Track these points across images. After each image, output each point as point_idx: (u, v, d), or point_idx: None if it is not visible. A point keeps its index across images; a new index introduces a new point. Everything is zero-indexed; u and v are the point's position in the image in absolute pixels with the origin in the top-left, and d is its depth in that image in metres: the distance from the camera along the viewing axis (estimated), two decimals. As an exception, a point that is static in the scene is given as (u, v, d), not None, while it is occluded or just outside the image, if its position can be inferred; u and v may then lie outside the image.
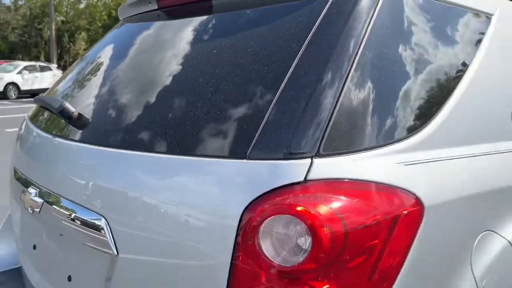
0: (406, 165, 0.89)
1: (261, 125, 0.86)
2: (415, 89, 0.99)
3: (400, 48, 1.02)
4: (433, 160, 0.95)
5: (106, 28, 28.76)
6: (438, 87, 1.04)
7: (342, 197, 0.79)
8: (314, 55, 0.93)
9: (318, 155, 0.81)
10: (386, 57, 0.98)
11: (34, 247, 1.34)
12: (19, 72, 18.94)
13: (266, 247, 0.78)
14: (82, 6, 29.78)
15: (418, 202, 0.86)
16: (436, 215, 0.89)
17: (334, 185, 0.80)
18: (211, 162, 0.87)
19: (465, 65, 1.15)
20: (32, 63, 20.90)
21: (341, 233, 0.77)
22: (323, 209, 0.77)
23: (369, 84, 0.91)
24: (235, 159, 0.85)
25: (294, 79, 0.89)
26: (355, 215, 0.79)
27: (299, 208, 0.76)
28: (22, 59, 31.14)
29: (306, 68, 0.90)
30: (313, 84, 0.87)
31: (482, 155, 1.07)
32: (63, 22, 32.70)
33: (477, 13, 1.29)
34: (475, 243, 0.97)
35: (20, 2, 35.59)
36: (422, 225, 0.86)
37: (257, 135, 0.85)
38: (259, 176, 0.81)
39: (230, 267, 0.80)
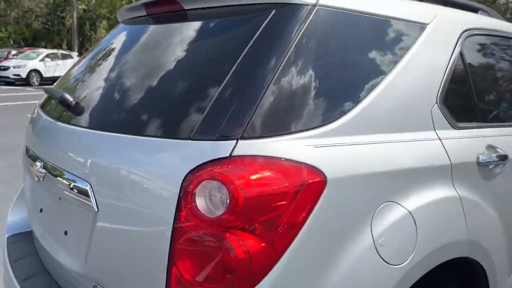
0: (315, 147, 1.16)
1: (203, 116, 1.14)
2: (330, 89, 1.25)
3: (324, 56, 1.28)
4: (341, 144, 1.21)
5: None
6: (354, 88, 1.30)
7: (256, 169, 1.07)
8: (249, 61, 1.20)
9: (242, 137, 1.09)
10: (309, 64, 1.24)
11: (41, 211, 1.65)
12: (42, 60, 19.53)
13: (199, 204, 1.06)
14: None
15: (321, 175, 1.13)
16: (338, 186, 1.16)
17: (251, 160, 1.07)
18: (165, 142, 1.16)
19: (386, 70, 1.40)
20: (54, 51, 21.50)
21: (253, 195, 1.04)
22: (240, 177, 1.04)
23: (288, 86, 1.18)
24: (182, 140, 1.13)
25: (230, 81, 1.17)
26: (266, 182, 1.06)
27: (222, 175, 1.04)
28: (45, 47, 31.90)
29: (241, 72, 1.18)
30: (243, 86, 1.15)
31: (389, 142, 1.32)
32: (84, 10, 33.28)
33: (407, 23, 1.53)
34: (376, 210, 1.23)
35: (44, -10, 36.29)
36: (324, 192, 1.12)
37: (199, 123, 1.13)
38: (197, 153, 1.09)
39: (174, 219, 1.09)
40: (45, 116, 1.70)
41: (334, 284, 1.14)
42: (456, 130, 1.56)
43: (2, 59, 20.26)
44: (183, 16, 1.55)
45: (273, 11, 1.29)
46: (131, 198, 1.19)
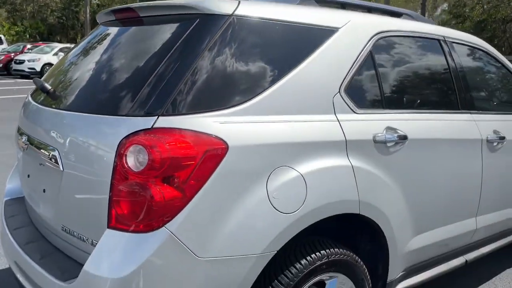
0: (221, 123, 1.55)
1: (136, 100, 1.54)
2: (237, 79, 1.64)
3: (235, 54, 1.67)
4: (245, 122, 1.60)
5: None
6: (260, 79, 1.69)
7: (171, 137, 1.47)
8: (174, 58, 1.60)
9: (162, 115, 1.49)
10: (223, 60, 1.63)
11: (28, 176, 2.08)
12: (55, 54, 20.12)
13: (129, 162, 1.46)
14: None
15: (223, 144, 1.52)
16: (239, 152, 1.54)
17: (168, 131, 1.47)
18: (107, 118, 1.57)
19: (291, 66, 1.78)
20: (67, 45, 22.09)
21: (167, 156, 1.44)
22: (157, 142, 1.44)
23: (202, 78, 1.57)
24: (119, 116, 1.54)
25: (157, 74, 1.57)
26: (178, 147, 1.46)
27: (144, 141, 1.44)
28: (60, 41, 32.63)
29: (166, 67, 1.58)
30: (165, 78, 1.55)
31: (289, 121, 1.71)
32: (98, 5, 33.96)
33: (318, 27, 1.91)
34: (272, 171, 1.61)
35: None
36: (226, 156, 1.52)
37: (132, 105, 1.54)
38: (128, 126, 1.49)
39: (112, 174, 1.49)
40: (32, 101, 2.13)
41: (233, 224, 1.53)
42: (356, 114, 1.93)
43: (18, 53, 20.94)
44: (138, 21, 1.96)
45: (198, 19, 1.69)
46: (84, 160, 1.61)
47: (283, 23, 1.84)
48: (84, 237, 1.61)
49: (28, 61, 19.44)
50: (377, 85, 2.09)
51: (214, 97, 1.59)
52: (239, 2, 1.75)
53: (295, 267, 1.71)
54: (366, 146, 1.93)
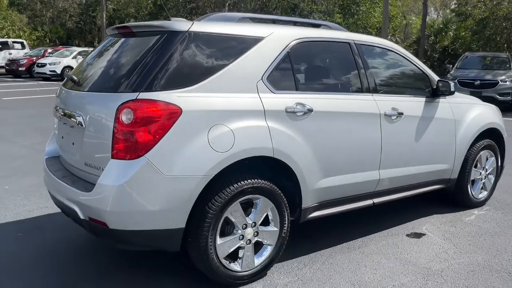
0: (178, 96, 2.59)
1: (127, 83, 2.60)
2: (190, 70, 2.69)
3: (191, 56, 2.72)
4: (194, 96, 2.64)
5: (152, 15, 31.06)
6: (207, 71, 2.73)
7: (147, 104, 2.52)
8: (151, 58, 2.65)
9: (142, 91, 2.54)
10: (182, 60, 2.68)
11: (62, 137, 3.16)
12: (74, 57, 21.49)
13: (122, 118, 2.51)
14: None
15: (179, 108, 2.56)
16: (189, 114, 2.59)
17: (145, 101, 2.52)
18: (110, 94, 2.63)
19: (227, 62, 2.81)
20: (85, 48, 23.48)
21: (144, 115, 2.49)
22: (139, 107, 2.50)
23: (168, 71, 2.62)
24: (117, 93, 2.60)
25: (140, 68, 2.63)
26: (151, 110, 2.51)
27: (130, 106, 2.50)
28: (78, 45, 34.13)
29: (146, 64, 2.63)
30: (145, 70, 2.60)
31: (226, 97, 2.74)
32: (114, 10, 35.36)
33: (248, 37, 2.95)
34: (212, 126, 2.65)
35: (77, -9, 38.55)
36: (180, 116, 2.56)
37: (125, 86, 2.60)
38: (123, 98, 2.55)
39: (113, 128, 2.55)
40: (64, 88, 3.21)
41: (186, 156, 2.57)
42: (273, 94, 2.96)
43: (39, 57, 22.37)
44: (131, 34, 3.03)
45: (166, 34, 2.75)
46: (97, 120, 2.68)
47: (223, 35, 2.88)
48: (98, 166, 2.67)
49: (50, 64, 20.86)
50: (292, 74, 3.11)
51: (174, 81, 2.64)
52: (192, 23, 2.81)
53: (230, 187, 2.74)
54: (279, 114, 2.95)
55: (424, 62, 25.94)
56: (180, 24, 2.79)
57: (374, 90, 3.58)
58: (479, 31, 24.80)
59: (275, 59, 3.03)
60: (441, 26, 29.48)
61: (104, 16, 26.44)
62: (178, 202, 2.58)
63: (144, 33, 2.94)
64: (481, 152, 4.48)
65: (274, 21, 3.40)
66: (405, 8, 41.04)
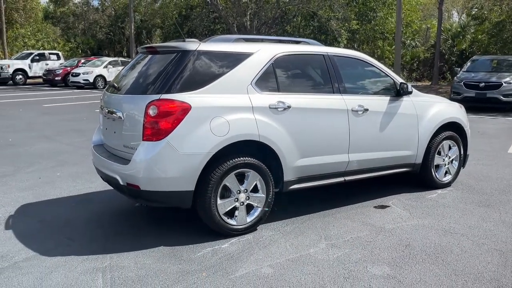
0: (189, 96, 3.67)
1: (153, 87, 3.70)
2: (200, 77, 3.76)
3: (200, 68, 3.80)
4: (202, 96, 3.72)
5: (178, 26, 32.62)
6: (211, 77, 3.80)
7: (166, 102, 3.60)
8: (170, 69, 3.74)
9: (163, 93, 3.63)
10: (195, 72, 3.76)
11: (106, 129, 4.29)
12: (105, 67, 23.07)
13: (150, 113, 3.60)
14: (156, 6, 33.80)
15: (189, 105, 3.63)
16: (196, 109, 3.65)
17: (165, 100, 3.60)
18: (141, 96, 3.73)
19: (226, 71, 3.88)
20: (115, 58, 25.05)
21: (165, 110, 3.57)
22: (161, 103, 3.58)
23: (183, 78, 3.70)
24: (146, 95, 3.69)
25: (163, 77, 3.72)
26: (170, 106, 3.58)
27: (156, 103, 3.58)
28: (108, 55, 35.94)
29: (166, 73, 3.73)
30: (166, 77, 3.70)
31: (224, 97, 3.80)
32: (141, 20, 37.17)
33: (241, 53, 4.01)
34: (213, 118, 3.70)
35: (106, 4, 40.58)
36: (190, 110, 3.63)
37: (153, 89, 3.70)
38: (150, 98, 3.63)
39: (143, 119, 3.63)
40: (107, 92, 4.34)
41: (194, 138, 3.63)
42: (260, 94, 4.00)
43: (74, 67, 24.07)
44: (155, 52, 4.13)
45: (181, 52, 3.84)
46: (131, 114, 3.78)
47: (222, 52, 3.96)
48: (133, 147, 3.76)
49: (83, 73, 22.51)
50: (275, 80, 4.15)
51: (186, 85, 3.71)
52: (199, 44, 3.89)
53: (228, 162, 3.77)
54: (264, 110, 3.98)
55: (441, 66, 26.40)
56: (191, 45, 3.88)
57: (344, 91, 4.57)
58: (496, 34, 25.21)
59: (262, 68, 4.08)
60: (458, 29, 29.94)
61: (132, 27, 28.02)
62: (188, 171, 3.65)
63: (165, 51, 4.04)
64: (444, 142, 5.40)
65: (263, 40, 4.47)
66: (426, 12, 41.50)
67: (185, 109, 3.64)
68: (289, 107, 4.11)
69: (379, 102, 4.84)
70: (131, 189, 3.74)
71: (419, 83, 28.00)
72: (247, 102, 3.92)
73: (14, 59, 26.28)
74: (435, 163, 5.37)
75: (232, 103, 3.85)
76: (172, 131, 3.60)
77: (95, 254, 3.57)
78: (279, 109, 4.07)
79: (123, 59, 25.55)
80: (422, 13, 37.14)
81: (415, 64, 31.70)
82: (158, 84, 3.73)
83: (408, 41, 32.56)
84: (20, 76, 24.69)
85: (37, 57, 25.44)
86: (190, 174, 3.66)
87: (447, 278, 3.22)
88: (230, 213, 3.93)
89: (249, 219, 4.02)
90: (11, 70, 24.47)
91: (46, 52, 26.39)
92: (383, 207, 4.80)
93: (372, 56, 30.40)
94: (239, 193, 3.92)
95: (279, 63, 4.23)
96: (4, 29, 31.73)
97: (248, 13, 27.77)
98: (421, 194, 5.23)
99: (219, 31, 33.18)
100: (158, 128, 3.59)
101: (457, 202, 4.94)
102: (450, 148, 5.52)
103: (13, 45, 34.27)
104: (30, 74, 24.93)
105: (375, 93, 4.97)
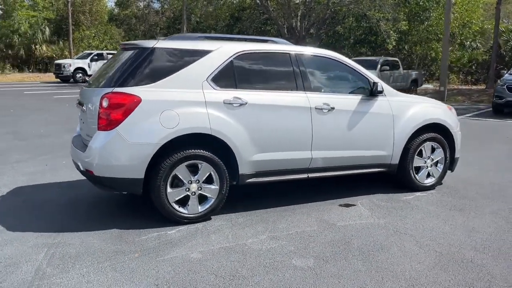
0: (140, 90, 3.94)
1: (109, 81, 4.01)
2: (153, 72, 4.02)
3: (155, 64, 4.06)
4: (153, 90, 3.97)
5: (230, 27, 33.28)
6: (164, 72, 4.05)
7: (119, 96, 3.89)
8: (126, 65, 4.04)
9: (116, 86, 3.93)
10: (148, 67, 4.03)
11: (81, 119, 4.67)
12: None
13: (103, 104, 3.90)
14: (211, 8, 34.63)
15: (140, 98, 3.90)
16: (147, 102, 3.92)
17: (117, 92, 3.90)
18: (101, 89, 4.04)
19: (181, 67, 4.11)
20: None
21: (115, 102, 3.87)
22: (112, 96, 3.88)
23: (135, 73, 3.98)
24: (104, 88, 4.01)
25: (119, 71, 4.02)
26: (120, 98, 3.87)
27: (108, 96, 3.89)
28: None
29: (123, 67, 4.03)
30: (121, 72, 4.00)
31: (177, 92, 4.04)
32: (197, 22, 38.28)
33: (199, 50, 4.23)
34: (163, 111, 3.95)
35: (165, 6, 42.24)
36: (141, 103, 3.90)
37: (108, 83, 4.01)
38: (104, 91, 3.94)
39: (98, 109, 3.95)
40: (82, 87, 4.72)
41: (143, 129, 3.89)
42: (215, 90, 4.19)
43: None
44: (125, 49, 4.44)
45: (138, 49, 4.12)
46: (91, 106, 4.11)
47: (181, 49, 4.19)
48: (91, 136, 4.09)
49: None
50: (233, 76, 4.32)
51: (139, 80, 3.99)
52: (157, 41, 4.15)
53: (178, 153, 4.01)
54: (218, 105, 4.16)
55: (500, 69, 24.83)
56: (148, 43, 4.16)
57: (309, 89, 4.64)
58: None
59: (219, 66, 4.26)
60: (522, 30, 28.13)
61: (185, 28, 29.01)
62: (137, 160, 3.91)
63: (130, 48, 4.34)
64: (425, 144, 5.28)
65: (229, 39, 4.65)
66: (492, 12, 39.24)
67: (135, 101, 3.91)
68: (245, 103, 4.26)
69: (349, 101, 4.85)
70: (88, 175, 4.08)
71: (474, 87, 26.66)
72: (201, 97, 4.12)
73: (76, 58, 28.12)
74: (415, 165, 5.27)
75: (184, 98, 4.07)
76: (122, 121, 3.88)
77: (51, 232, 3.93)
78: (234, 105, 4.23)
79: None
80: (486, 13, 35.25)
81: (473, 67, 30.17)
82: (114, 78, 4.03)
83: (468, 42, 31.06)
84: (80, 74, 26.38)
85: (96, 57, 27.02)
86: (138, 163, 3.92)
87: (365, 274, 3.25)
88: (183, 202, 4.16)
89: (201, 208, 4.22)
90: (72, 69, 26.25)
91: (105, 52, 27.94)
92: (348, 205, 4.80)
93: (425, 58, 29.35)
94: (191, 183, 4.13)
95: (239, 61, 4.39)
96: (71, 31, 34.04)
97: (299, 14, 27.81)
98: (398, 196, 5.16)
99: (270, 32, 33.48)
100: (110, 118, 3.89)
101: (429, 205, 4.84)
102: (434, 150, 5.38)
103: (79, 46, 36.61)
104: (89, 73, 26.54)
105: (346, 92, 4.98)
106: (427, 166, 5.36)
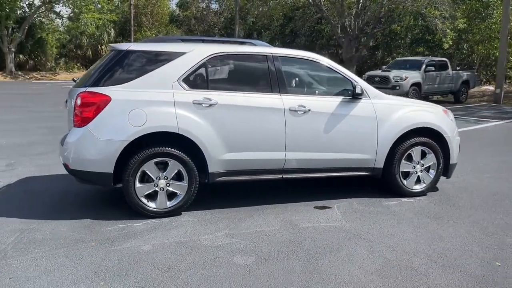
0: (110, 90, 4.20)
1: (86, 82, 4.31)
2: (126, 73, 4.27)
3: (128, 65, 4.31)
4: (123, 90, 4.22)
5: (283, 26, 33.39)
6: (136, 73, 4.29)
7: (90, 95, 4.17)
8: (103, 66, 4.32)
9: (89, 86, 4.22)
10: (122, 67, 4.29)
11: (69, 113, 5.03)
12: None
13: (77, 102, 4.20)
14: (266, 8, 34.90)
15: (110, 97, 4.16)
16: (116, 101, 4.17)
17: (89, 92, 4.18)
18: (80, 88, 4.35)
19: (153, 68, 4.33)
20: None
21: (87, 101, 4.15)
22: (85, 95, 4.17)
23: (109, 73, 4.25)
24: (82, 87, 4.31)
25: (95, 71, 4.31)
26: (91, 97, 4.16)
27: (81, 95, 4.18)
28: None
29: (99, 69, 4.31)
30: (96, 73, 4.28)
31: (146, 92, 4.25)
32: (253, 22, 38.69)
33: (172, 52, 4.42)
34: (132, 110, 4.18)
35: (223, 7, 43.14)
36: (110, 102, 4.16)
37: (84, 83, 4.31)
38: (79, 90, 4.24)
39: (74, 106, 4.25)
40: (72, 86, 5.08)
41: (112, 126, 4.15)
42: (185, 91, 4.36)
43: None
44: (110, 50, 4.72)
45: (114, 51, 4.38)
46: (70, 105, 4.43)
47: (154, 51, 4.40)
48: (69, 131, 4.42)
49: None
50: (205, 78, 4.47)
51: (113, 80, 4.25)
52: (131, 45, 4.39)
53: (147, 150, 4.23)
54: (187, 105, 4.33)
55: None
56: (123, 45, 4.41)
57: (284, 91, 4.67)
58: None
59: (191, 67, 4.43)
60: None
61: (237, 29, 29.49)
62: (105, 155, 4.18)
63: (110, 50, 4.62)
64: (414, 148, 5.12)
65: (203, 41, 4.80)
66: None
67: (105, 100, 4.17)
68: (215, 103, 4.39)
69: (327, 103, 4.82)
70: (66, 168, 4.41)
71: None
72: (170, 97, 4.31)
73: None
74: (403, 170, 5.12)
75: (153, 97, 4.28)
76: (93, 119, 4.16)
77: (32, 219, 4.30)
78: (203, 105, 4.38)
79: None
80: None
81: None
82: (91, 78, 4.32)
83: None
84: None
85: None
86: (107, 158, 4.18)
87: (298, 275, 3.27)
88: (152, 197, 4.37)
89: (170, 203, 4.41)
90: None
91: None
92: (324, 208, 4.78)
93: (488, 58, 27.61)
94: (159, 179, 4.34)
95: (212, 63, 4.54)
96: (133, 32, 35.75)
97: (353, 13, 27.33)
98: (381, 201, 5.05)
99: (324, 31, 33.17)
100: (82, 116, 4.19)
101: (409, 212, 4.70)
102: (425, 155, 5.20)
103: (140, 46, 38.30)
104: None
105: (325, 94, 4.96)
106: (416, 172, 5.19)
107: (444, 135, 5.21)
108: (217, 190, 5.28)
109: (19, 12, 31.48)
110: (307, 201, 4.97)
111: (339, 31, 27.67)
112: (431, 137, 5.18)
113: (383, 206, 4.86)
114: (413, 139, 5.09)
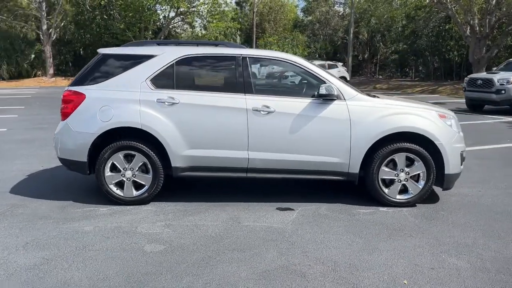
0: (86, 89, 4.77)
1: (75, 80, 4.95)
2: (102, 74, 4.80)
3: (108, 68, 4.84)
4: (97, 89, 4.76)
5: (403, 27, 31.70)
6: (108, 75, 4.80)
7: (70, 93, 4.79)
8: (88, 68, 4.92)
9: (71, 85, 4.84)
10: (103, 69, 4.84)
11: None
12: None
13: (62, 100, 4.87)
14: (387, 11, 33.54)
15: (84, 95, 4.73)
16: (90, 99, 4.72)
17: (71, 90, 4.80)
18: (70, 87, 5.02)
19: (123, 71, 4.79)
20: (322, 62, 26.56)
21: (68, 99, 4.78)
22: (66, 94, 4.80)
23: (89, 74, 4.83)
24: (71, 86, 4.97)
25: (81, 73, 4.92)
26: (70, 95, 4.77)
27: (64, 93, 4.83)
28: (340, 59, 37.74)
29: (85, 70, 4.92)
30: (81, 74, 4.89)
31: (116, 91, 4.73)
32: (376, 23, 37.45)
33: (144, 55, 4.84)
34: (102, 106, 4.70)
35: (347, 10, 42.48)
36: (85, 99, 4.72)
37: (73, 82, 4.95)
38: (65, 89, 4.90)
39: (61, 110, 4.93)
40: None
41: (84, 120, 4.71)
42: (152, 90, 4.72)
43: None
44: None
45: (102, 55, 4.94)
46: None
47: (127, 54, 4.87)
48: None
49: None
50: (172, 78, 4.78)
51: (88, 80, 4.82)
52: (109, 48, 4.91)
53: (114, 143, 4.70)
54: (151, 103, 4.68)
55: None
56: (103, 50, 4.95)
57: (250, 91, 4.74)
58: None
59: (160, 68, 4.78)
60: None
61: (351, 31, 28.91)
62: (79, 146, 4.75)
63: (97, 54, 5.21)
64: (397, 154, 4.72)
65: (178, 44, 5.08)
66: None
67: (81, 98, 4.75)
68: (177, 102, 4.68)
69: (294, 104, 4.73)
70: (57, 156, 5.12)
71: None
72: (136, 95, 4.72)
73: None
74: (383, 177, 4.77)
75: (121, 96, 4.73)
76: (71, 114, 4.78)
77: (25, 197, 5.08)
78: (166, 103, 4.69)
79: (330, 62, 26.86)
80: None
81: None
82: (75, 79, 4.95)
83: None
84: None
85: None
86: (81, 148, 4.76)
87: (184, 266, 3.39)
88: (122, 185, 4.83)
89: (136, 193, 4.81)
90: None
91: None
92: (285, 209, 4.71)
93: None
94: (126, 170, 4.77)
95: (180, 64, 4.82)
96: (254, 38, 37.42)
97: (485, 8, 24.80)
98: (353, 208, 4.76)
99: (452, 30, 30.59)
100: (63, 111, 4.83)
101: (373, 223, 4.36)
102: (413, 162, 4.76)
103: (263, 51, 39.89)
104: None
105: (295, 95, 4.86)
106: (400, 180, 4.77)
107: (435, 142, 4.69)
108: (197, 184, 5.53)
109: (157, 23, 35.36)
110: (275, 202, 4.93)
111: (464, 30, 25.27)
112: (421, 143, 4.72)
113: (350, 214, 4.59)
114: (395, 145, 4.70)
